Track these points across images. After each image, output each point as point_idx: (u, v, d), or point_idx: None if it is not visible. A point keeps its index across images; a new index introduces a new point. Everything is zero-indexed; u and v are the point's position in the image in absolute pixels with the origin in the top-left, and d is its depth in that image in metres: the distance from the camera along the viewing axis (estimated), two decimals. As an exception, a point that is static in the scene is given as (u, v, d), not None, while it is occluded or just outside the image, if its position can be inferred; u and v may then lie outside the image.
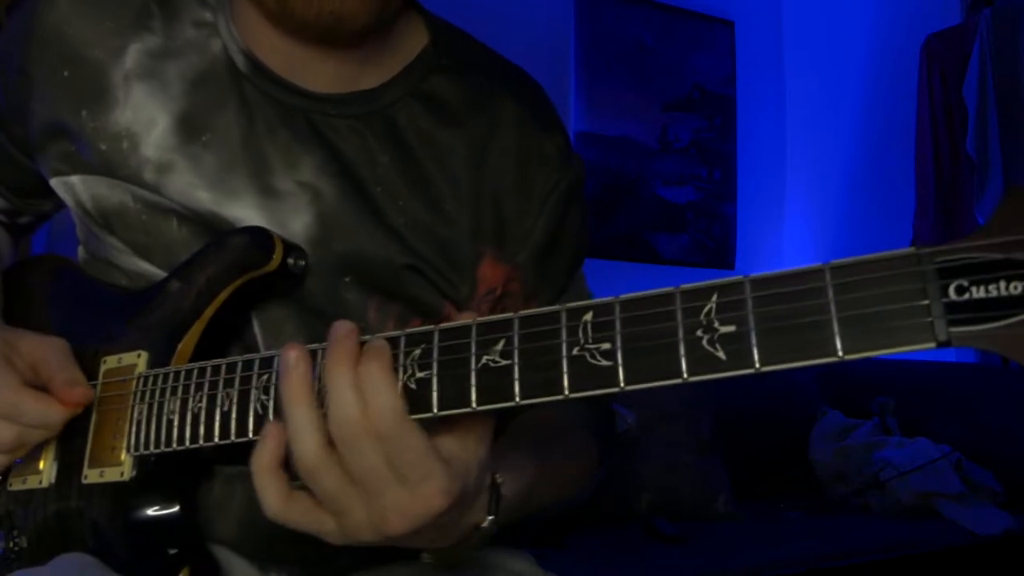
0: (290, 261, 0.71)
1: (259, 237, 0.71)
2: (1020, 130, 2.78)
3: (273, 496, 0.54)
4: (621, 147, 3.25)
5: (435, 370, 0.53)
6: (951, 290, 0.40)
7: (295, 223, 0.74)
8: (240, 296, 0.72)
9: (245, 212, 0.75)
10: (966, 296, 0.40)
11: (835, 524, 2.24)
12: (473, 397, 0.51)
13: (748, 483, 2.44)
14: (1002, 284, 0.39)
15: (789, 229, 3.61)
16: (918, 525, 2.20)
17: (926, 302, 0.40)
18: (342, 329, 0.53)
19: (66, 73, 0.78)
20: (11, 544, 0.76)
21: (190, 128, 0.76)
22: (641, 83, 3.31)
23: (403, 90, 0.79)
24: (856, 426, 2.61)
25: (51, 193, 0.82)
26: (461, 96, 0.80)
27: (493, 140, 0.79)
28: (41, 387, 0.71)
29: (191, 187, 0.75)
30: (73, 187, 0.79)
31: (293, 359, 0.53)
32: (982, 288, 0.40)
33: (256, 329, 0.75)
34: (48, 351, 0.73)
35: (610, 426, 0.99)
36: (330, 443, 0.53)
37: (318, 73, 0.76)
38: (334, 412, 0.52)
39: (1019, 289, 0.39)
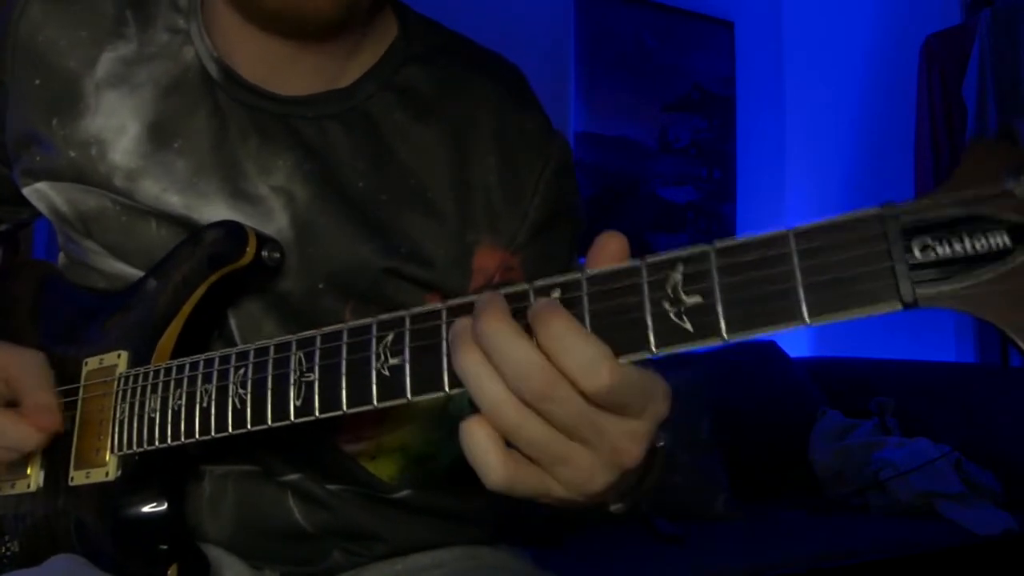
0: (264, 254, 0.70)
1: (232, 231, 0.71)
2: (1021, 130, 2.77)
3: (497, 460, 0.47)
4: (621, 147, 3.25)
5: (407, 356, 0.52)
6: (915, 249, 0.39)
7: (268, 227, 0.73)
8: (217, 291, 0.72)
9: (217, 215, 0.74)
10: (931, 255, 0.39)
11: (835, 524, 2.23)
12: (446, 381, 0.50)
13: (748, 483, 2.44)
14: (967, 241, 0.38)
15: (789, 229, 3.61)
16: (918, 525, 2.19)
17: (891, 263, 0.39)
18: (487, 294, 0.48)
19: (37, 82, 0.78)
20: (3, 549, 0.77)
21: (161, 134, 0.75)
22: (641, 83, 3.30)
23: (376, 84, 0.77)
24: (856, 426, 2.60)
25: (28, 201, 0.82)
26: (434, 84, 0.79)
27: (471, 126, 0.78)
28: (15, 403, 0.72)
29: (163, 192, 0.75)
30: (46, 194, 0.78)
31: (462, 323, 0.47)
32: (947, 246, 0.38)
33: (233, 327, 0.75)
34: (22, 366, 0.73)
35: None
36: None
37: (294, 74, 0.75)
38: (509, 370, 0.45)
39: (984, 246, 0.38)
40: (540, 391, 0.45)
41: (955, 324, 3.08)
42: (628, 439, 0.47)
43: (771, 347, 2.91)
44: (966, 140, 2.88)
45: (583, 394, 0.45)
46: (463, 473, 0.85)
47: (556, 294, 0.48)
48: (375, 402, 0.53)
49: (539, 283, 0.49)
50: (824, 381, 2.88)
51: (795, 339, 3.21)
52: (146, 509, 0.68)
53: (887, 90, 3.26)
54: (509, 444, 0.48)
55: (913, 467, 2.30)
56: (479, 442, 0.47)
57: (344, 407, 0.55)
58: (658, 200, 3.32)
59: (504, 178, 0.77)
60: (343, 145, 0.75)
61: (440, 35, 0.84)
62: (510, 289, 0.49)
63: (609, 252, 0.48)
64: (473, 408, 0.48)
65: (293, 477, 0.77)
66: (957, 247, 0.38)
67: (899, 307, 0.40)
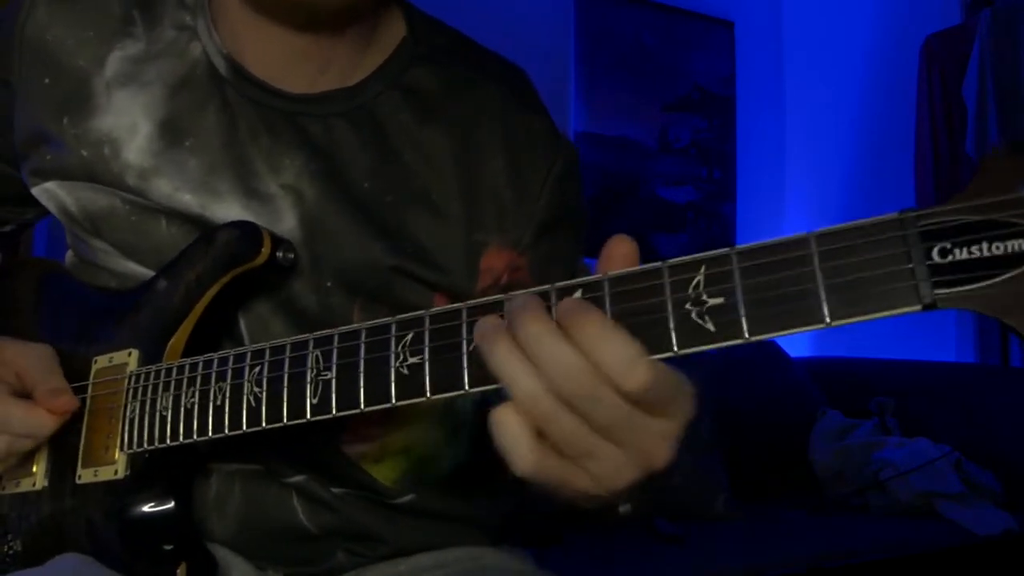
0: (279, 255, 0.71)
1: (247, 231, 0.71)
2: (1020, 130, 2.78)
3: (527, 447, 0.47)
4: (621, 147, 3.25)
5: (427, 355, 0.53)
6: (935, 253, 0.40)
7: (278, 226, 0.74)
8: (229, 291, 0.72)
9: (231, 213, 0.74)
10: (949, 258, 0.40)
11: (835, 524, 2.23)
12: (466, 380, 0.51)
13: (748, 483, 2.44)
14: (984, 245, 0.39)
15: (789, 229, 3.60)
16: (918, 525, 2.19)
17: (910, 265, 0.41)
18: (520, 297, 0.49)
19: (47, 81, 0.78)
20: (5, 548, 0.77)
21: (173, 133, 0.75)
22: (641, 83, 3.31)
23: (383, 84, 0.77)
24: (856, 426, 2.60)
25: (33, 202, 0.82)
26: (440, 85, 0.79)
27: (477, 127, 0.78)
28: (27, 395, 0.72)
29: (176, 191, 0.75)
30: (56, 194, 0.78)
31: (491, 322, 0.48)
32: (965, 250, 0.40)
33: (242, 327, 0.75)
34: (32, 359, 0.73)
35: None
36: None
37: (303, 71, 0.75)
38: (552, 370, 0.46)
39: (1001, 250, 0.39)
40: (583, 392, 0.45)
41: (955, 324, 3.08)
42: (659, 439, 0.48)
43: (771, 347, 2.91)
44: (966, 140, 2.88)
45: (620, 392, 0.45)
46: (466, 476, 0.85)
47: (578, 295, 0.49)
48: (394, 400, 0.54)
49: (561, 284, 0.50)
50: (824, 381, 2.88)
51: (795, 339, 3.21)
52: (154, 508, 0.68)
53: (887, 90, 3.26)
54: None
55: (913, 467, 2.30)
56: (511, 428, 0.47)
57: (362, 405, 0.55)
58: (658, 200, 3.32)
59: (511, 179, 0.77)
60: (350, 144, 0.76)
61: (444, 35, 0.84)
62: (532, 291, 0.50)
63: (620, 255, 0.49)
64: (499, 400, 0.48)
65: (298, 479, 0.77)
66: (975, 251, 0.40)
67: (918, 308, 0.41)
